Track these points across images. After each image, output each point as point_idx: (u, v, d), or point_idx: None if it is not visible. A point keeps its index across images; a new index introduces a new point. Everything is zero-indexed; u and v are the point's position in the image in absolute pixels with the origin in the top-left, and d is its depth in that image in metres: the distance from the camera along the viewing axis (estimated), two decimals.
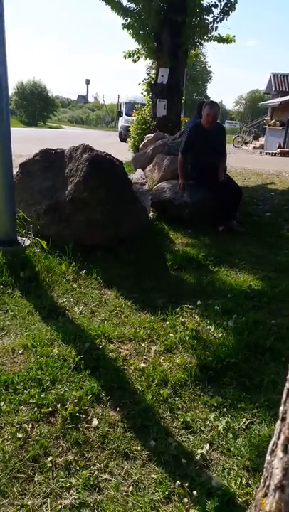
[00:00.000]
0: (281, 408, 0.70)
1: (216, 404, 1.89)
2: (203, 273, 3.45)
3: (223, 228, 4.69)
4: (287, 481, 0.58)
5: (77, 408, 1.76)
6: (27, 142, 12.44)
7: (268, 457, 0.76)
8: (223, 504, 1.38)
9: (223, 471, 1.53)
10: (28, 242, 3.41)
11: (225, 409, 1.86)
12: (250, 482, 1.49)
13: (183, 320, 2.58)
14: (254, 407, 1.87)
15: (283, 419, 0.67)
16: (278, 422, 0.71)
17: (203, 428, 1.75)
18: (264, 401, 1.91)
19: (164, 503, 1.40)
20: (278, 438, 0.68)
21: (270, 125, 20.24)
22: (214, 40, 8.85)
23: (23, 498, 1.38)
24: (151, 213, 4.85)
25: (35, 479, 1.45)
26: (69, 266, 3.24)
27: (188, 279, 3.33)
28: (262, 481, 0.77)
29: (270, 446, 0.75)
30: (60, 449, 1.58)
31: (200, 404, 1.90)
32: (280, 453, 0.65)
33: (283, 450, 0.64)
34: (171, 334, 2.42)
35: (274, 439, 0.72)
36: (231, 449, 1.64)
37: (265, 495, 0.72)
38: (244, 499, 1.42)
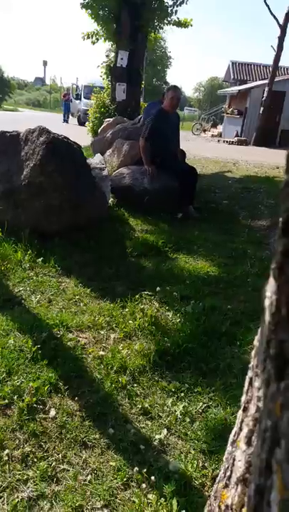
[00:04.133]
0: (243, 398, 0.69)
1: (173, 390, 1.92)
2: (163, 260, 3.47)
3: (182, 215, 4.72)
4: (252, 475, 0.58)
5: (34, 399, 1.73)
6: None
7: (228, 448, 0.75)
8: (180, 487, 1.41)
9: (180, 455, 1.57)
10: None
11: (182, 394, 1.90)
12: (206, 464, 1.53)
13: (142, 307, 2.59)
14: (210, 391, 1.92)
15: (245, 410, 0.66)
16: (240, 412, 0.70)
17: (161, 413, 1.78)
18: (220, 385, 1.96)
19: (122, 490, 1.41)
20: (240, 429, 0.67)
21: (228, 113, 20.47)
22: (173, 25, 8.77)
23: None
24: (111, 199, 4.79)
25: None
26: (25, 253, 3.15)
27: (148, 266, 3.34)
28: (222, 471, 0.77)
29: (232, 436, 0.74)
30: (17, 442, 1.55)
31: (158, 389, 1.92)
32: (242, 445, 0.64)
33: (246, 442, 0.63)
34: (130, 321, 2.42)
35: (235, 429, 0.72)
36: (188, 433, 1.68)
37: (226, 486, 0.72)
38: (200, 481, 1.46)
